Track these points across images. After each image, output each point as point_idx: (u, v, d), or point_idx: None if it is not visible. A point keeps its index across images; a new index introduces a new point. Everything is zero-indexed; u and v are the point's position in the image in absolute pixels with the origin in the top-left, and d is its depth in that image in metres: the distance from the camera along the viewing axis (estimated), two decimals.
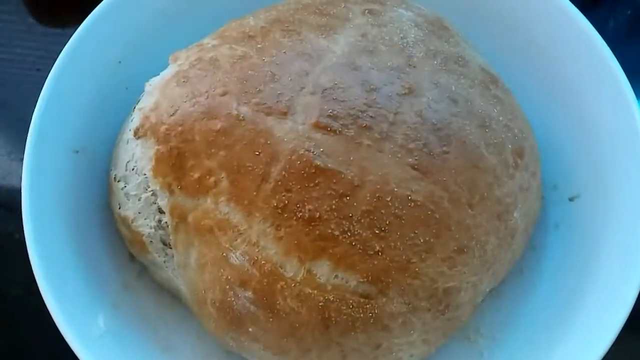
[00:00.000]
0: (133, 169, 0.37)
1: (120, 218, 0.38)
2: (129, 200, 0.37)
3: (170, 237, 0.36)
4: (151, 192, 0.36)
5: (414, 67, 0.37)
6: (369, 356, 0.33)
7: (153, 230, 0.36)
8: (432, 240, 0.33)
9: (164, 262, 0.37)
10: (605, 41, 0.40)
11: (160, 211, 0.36)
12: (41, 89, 0.38)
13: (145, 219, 0.37)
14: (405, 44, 0.38)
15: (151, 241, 0.37)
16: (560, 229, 0.41)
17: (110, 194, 0.39)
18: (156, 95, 0.37)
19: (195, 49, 0.39)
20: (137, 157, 0.36)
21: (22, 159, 0.51)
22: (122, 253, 0.40)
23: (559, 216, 0.42)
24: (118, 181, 0.38)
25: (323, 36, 0.37)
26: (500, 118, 0.37)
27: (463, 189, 0.34)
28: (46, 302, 0.33)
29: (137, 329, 0.38)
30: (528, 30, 0.44)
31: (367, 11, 0.39)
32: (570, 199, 0.41)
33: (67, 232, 0.38)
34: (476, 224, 0.34)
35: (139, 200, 0.37)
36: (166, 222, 0.36)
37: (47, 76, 0.39)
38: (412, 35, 0.38)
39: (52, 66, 0.39)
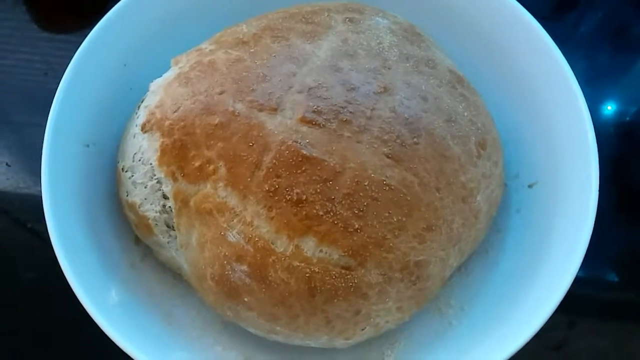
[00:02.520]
0: (140, 160, 0.41)
1: (127, 204, 0.42)
2: (136, 188, 0.41)
3: (174, 220, 0.40)
4: (156, 180, 0.40)
5: (389, 68, 0.41)
6: (350, 321, 0.38)
7: (158, 214, 0.41)
8: (404, 219, 0.37)
9: (168, 242, 0.41)
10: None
11: (165, 197, 0.40)
12: (49, 92, 0.42)
13: (151, 204, 0.41)
14: (381, 49, 0.42)
15: (156, 224, 0.41)
16: (521, 213, 0.46)
17: (119, 183, 0.43)
18: (160, 94, 0.41)
19: (195, 53, 0.43)
20: (143, 149, 0.41)
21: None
22: (128, 237, 0.45)
23: (520, 201, 0.46)
24: (126, 171, 0.42)
25: (308, 42, 0.42)
26: (465, 114, 0.42)
27: (431, 175, 0.38)
28: (67, 277, 0.37)
29: (144, 303, 0.42)
30: (491, 37, 0.48)
31: (347, 19, 0.44)
32: (529, 186, 0.46)
33: (81, 217, 0.42)
34: (443, 206, 0.39)
35: (145, 187, 0.41)
36: (170, 207, 0.40)
37: (54, 81, 0.43)
38: (388, 41, 0.43)
39: (59, 71, 0.43)
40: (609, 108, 0.63)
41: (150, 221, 0.41)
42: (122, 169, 0.43)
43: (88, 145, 0.44)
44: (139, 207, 0.41)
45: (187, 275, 0.42)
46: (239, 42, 0.42)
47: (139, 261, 0.45)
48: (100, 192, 0.44)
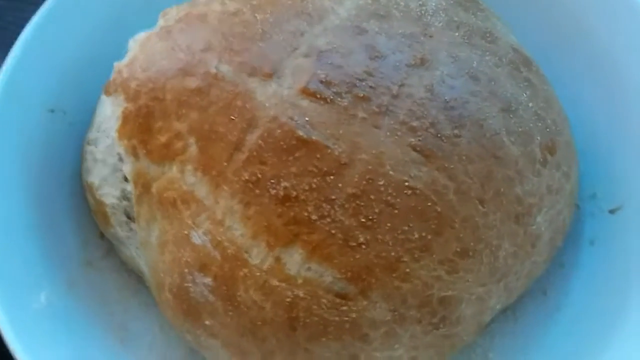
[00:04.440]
0: (104, 131, 0.33)
1: (87, 185, 0.34)
2: (96, 165, 0.33)
3: (134, 209, 0.31)
4: (118, 156, 0.32)
5: (430, 36, 0.32)
6: None
7: (117, 200, 0.32)
8: (429, 237, 0.27)
9: (128, 237, 0.33)
10: None
11: (126, 179, 0.32)
12: None
13: (110, 187, 0.33)
14: (423, 12, 0.33)
15: (114, 213, 0.33)
16: (596, 246, 0.35)
17: (82, 159, 0.35)
18: (135, 50, 0.33)
19: (187, 4, 0.35)
20: (107, 116, 0.33)
21: None
22: (92, 228, 0.36)
23: (595, 230, 0.36)
24: (89, 144, 0.34)
25: None
26: (530, 104, 0.32)
27: (474, 180, 0.29)
28: None
29: (93, 312, 0.33)
30: (572, 15, 0.38)
31: None
32: (611, 212, 0.35)
33: (29, 196, 0.34)
34: (487, 224, 0.29)
35: (105, 165, 0.33)
36: (130, 192, 0.31)
37: None
38: (433, 4, 0.33)
39: None
40: None
41: (107, 208, 0.33)
42: (88, 141, 0.34)
43: (53, 111, 0.36)
44: (97, 190, 0.33)
45: (148, 282, 0.33)
46: None
47: (99, 258, 0.36)
48: (63, 170, 0.36)
